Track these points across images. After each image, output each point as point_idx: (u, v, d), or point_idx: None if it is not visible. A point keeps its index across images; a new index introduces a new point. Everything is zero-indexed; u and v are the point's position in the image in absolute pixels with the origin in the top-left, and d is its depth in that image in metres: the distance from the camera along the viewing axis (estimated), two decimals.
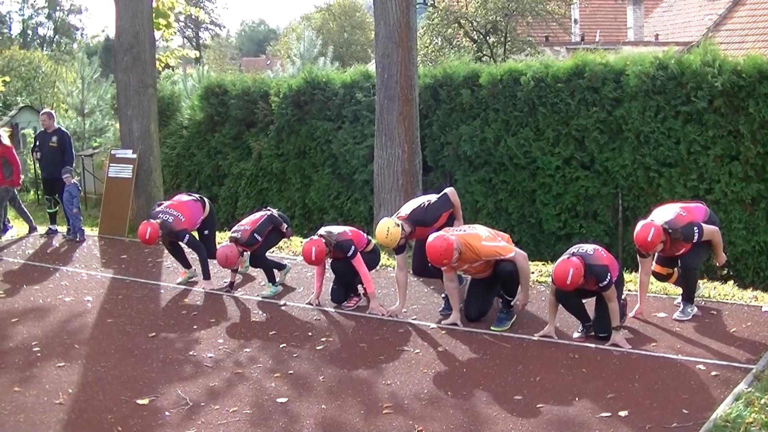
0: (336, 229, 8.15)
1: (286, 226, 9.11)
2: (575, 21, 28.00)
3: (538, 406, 5.62)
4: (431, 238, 7.08)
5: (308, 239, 8.10)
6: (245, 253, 9.06)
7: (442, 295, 8.04)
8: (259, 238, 8.72)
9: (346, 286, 8.30)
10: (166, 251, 9.98)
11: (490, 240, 7.20)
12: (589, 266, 6.58)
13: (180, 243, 9.28)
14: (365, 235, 8.47)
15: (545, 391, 5.89)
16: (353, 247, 7.97)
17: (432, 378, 6.27)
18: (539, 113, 11.56)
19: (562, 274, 6.53)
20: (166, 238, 9.16)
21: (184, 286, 9.36)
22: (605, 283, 6.57)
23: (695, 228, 7.16)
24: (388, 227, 7.54)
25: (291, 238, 10.10)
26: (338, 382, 6.26)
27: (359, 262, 7.99)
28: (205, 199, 9.74)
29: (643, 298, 7.52)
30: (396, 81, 11.22)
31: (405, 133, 11.29)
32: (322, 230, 8.15)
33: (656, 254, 7.51)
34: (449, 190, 8.12)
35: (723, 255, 7.57)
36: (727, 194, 10.36)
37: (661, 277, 7.87)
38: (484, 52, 23.04)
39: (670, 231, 7.12)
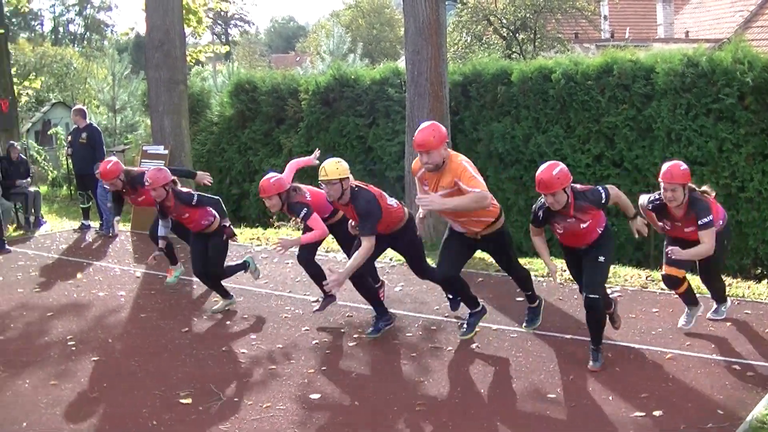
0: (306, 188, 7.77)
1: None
2: (605, 18, 27.85)
3: (572, 405, 5.60)
4: (423, 125, 6.48)
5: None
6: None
7: (447, 295, 7.75)
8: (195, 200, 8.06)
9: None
10: None
11: (472, 172, 6.45)
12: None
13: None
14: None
15: (578, 389, 5.87)
16: (305, 210, 7.33)
17: (465, 375, 6.27)
18: (570, 110, 11.51)
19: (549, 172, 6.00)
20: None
21: None
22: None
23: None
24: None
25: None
26: (371, 379, 6.28)
27: (314, 224, 7.29)
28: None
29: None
30: (426, 78, 11.21)
31: None
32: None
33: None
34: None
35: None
36: (761, 192, 10.27)
37: (674, 281, 6.83)
38: (514, 49, 22.96)
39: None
